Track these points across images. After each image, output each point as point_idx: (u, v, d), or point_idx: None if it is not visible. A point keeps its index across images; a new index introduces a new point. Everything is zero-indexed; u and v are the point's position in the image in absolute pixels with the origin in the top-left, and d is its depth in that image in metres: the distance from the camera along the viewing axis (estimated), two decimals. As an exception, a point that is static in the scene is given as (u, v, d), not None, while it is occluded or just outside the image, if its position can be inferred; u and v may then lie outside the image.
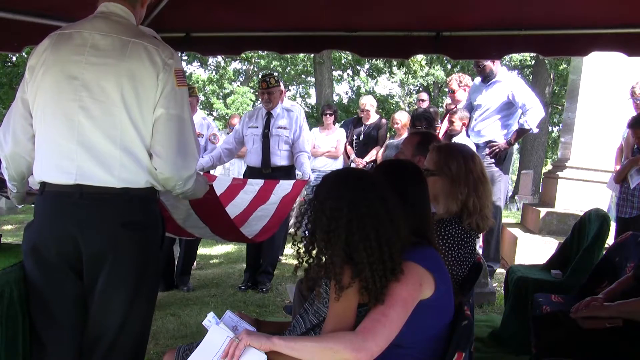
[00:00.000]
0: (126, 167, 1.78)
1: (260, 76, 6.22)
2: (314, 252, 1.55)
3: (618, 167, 4.79)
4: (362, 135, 6.42)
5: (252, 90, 22.14)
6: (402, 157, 2.85)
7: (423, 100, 7.03)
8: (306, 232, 1.55)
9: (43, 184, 1.84)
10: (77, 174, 1.77)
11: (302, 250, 1.56)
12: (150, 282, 1.93)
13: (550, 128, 20.45)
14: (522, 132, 5.04)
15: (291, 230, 6.50)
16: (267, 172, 4.65)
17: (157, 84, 1.79)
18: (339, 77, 23.48)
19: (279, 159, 4.73)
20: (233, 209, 3.26)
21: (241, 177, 5.11)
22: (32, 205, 1.95)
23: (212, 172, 5.49)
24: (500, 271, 5.15)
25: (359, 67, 22.55)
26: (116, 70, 1.76)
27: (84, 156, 1.76)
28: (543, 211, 5.81)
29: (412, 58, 14.30)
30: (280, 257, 5.72)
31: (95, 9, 1.90)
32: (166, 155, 1.82)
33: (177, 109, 1.83)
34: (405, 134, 5.95)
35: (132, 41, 1.80)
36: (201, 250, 6.09)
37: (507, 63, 18.65)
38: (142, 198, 1.85)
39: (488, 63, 4.98)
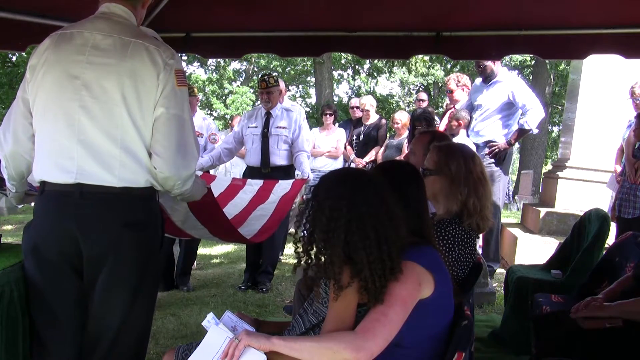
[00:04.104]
0: (126, 166, 1.79)
1: (259, 76, 6.21)
2: (313, 252, 1.55)
3: (618, 167, 4.80)
4: (362, 135, 6.43)
5: (251, 90, 22.14)
6: (413, 157, 2.85)
7: (422, 100, 7.04)
8: (305, 232, 1.55)
9: (43, 184, 1.84)
10: (77, 173, 1.77)
11: (300, 250, 1.56)
12: (150, 282, 1.93)
13: (550, 128, 20.46)
14: (522, 133, 5.05)
15: (291, 230, 6.51)
16: (267, 171, 4.66)
17: (158, 84, 1.80)
18: (339, 77, 23.48)
19: (278, 158, 4.73)
20: (232, 208, 3.27)
21: (241, 177, 5.11)
22: (32, 205, 1.95)
23: (211, 171, 5.49)
24: (500, 271, 5.15)
25: (358, 67, 22.55)
26: (117, 70, 1.77)
27: (84, 155, 1.77)
28: (543, 211, 5.81)
29: (412, 57, 14.30)
30: (280, 257, 5.72)
31: (97, 9, 1.91)
32: (166, 155, 1.82)
33: (177, 109, 1.83)
34: (405, 134, 5.96)
35: (133, 41, 1.80)
36: (201, 250, 6.09)
37: (507, 63, 18.66)
38: (142, 197, 1.85)
39: (489, 63, 4.99)
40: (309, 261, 1.55)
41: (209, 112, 22.42)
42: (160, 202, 2.17)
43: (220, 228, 2.77)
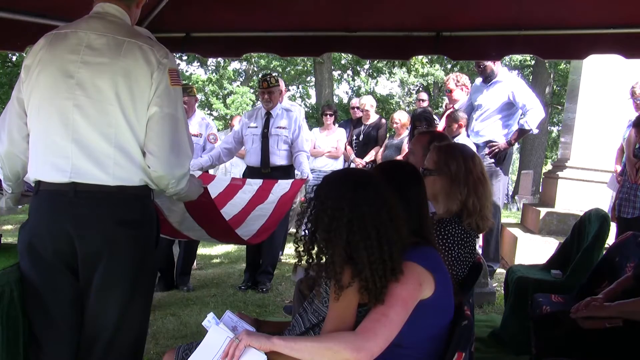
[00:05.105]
0: (120, 165, 1.79)
1: (260, 76, 6.22)
2: (314, 251, 1.55)
3: (618, 167, 4.80)
4: (361, 135, 6.43)
5: (252, 90, 22.13)
6: (412, 157, 2.86)
7: (423, 100, 7.04)
8: (306, 231, 1.55)
9: (38, 183, 1.85)
10: (72, 172, 1.78)
11: (301, 250, 1.56)
12: (146, 281, 1.94)
13: (550, 128, 20.46)
14: (522, 133, 5.05)
15: (291, 229, 6.51)
16: (266, 171, 4.66)
17: (152, 83, 1.80)
18: (339, 77, 23.46)
19: (278, 158, 4.74)
20: (232, 208, 3.26)
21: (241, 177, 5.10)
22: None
23: (211, 171, 5.49)
24: (500, 271, 5.15)
25: (358, 68, 22.55)
26: (111, 69, 1.77)
27: (78, 154, 1.77)
28: (543, 211, 5.81)
29: (412, 58, 14.27)
30: (280, 257, 5.72)
31: (91, 9, 1.91)
32: (159, 153, 1.82)
33: (171, 108, 1.83)
34: (404, 134, 5.96)
35: (127, 40, 1.81)
36: (201, 250, 6.09)
37: (508, 63, 18.66)
38: (137, 196, 1.85)
39: (489, 63, 4.99)
40: (310, 261, 1.55)
41: (209, 112, 22.41)
42: (157, 203, 2.17)
43: (218, 229, 2.77)
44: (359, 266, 1.47)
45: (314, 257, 1.55)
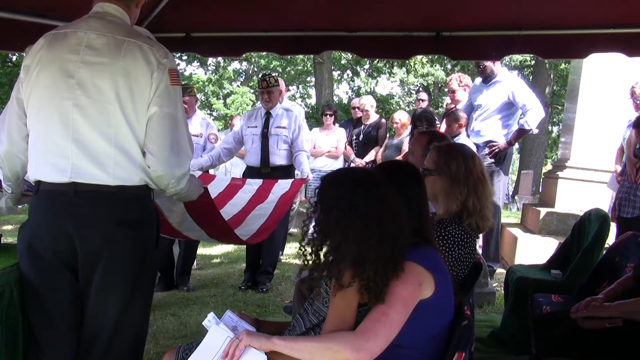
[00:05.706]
0: (120, 165, 1.79)
1: (260, 76, 6.24)
2: (317, 251, 1.55)
3: (618, 167, 4.80)
4: (361, 135, 6.44)
5: (252, 91, 22.14)
6: (412, 157, 2.86)
7: (422, 100, 7.05)
8: (313, 233, 1.55)
9: (38, 183, 1.85)
10: (72, 172, 1.78)
11: (307, 251, 1.56)
12: (146, 281, 1.94)
13: (550, 128, 20.46)
14: (522, 133, 5.05)
15: (291, 229, 6.51)
16: (266, 171, 4.66)
17: (152, 83, 1.80)
18: (339, 77, 23.47)
19: (278, 158, 4.74)
20: (232, 207, 3.27)
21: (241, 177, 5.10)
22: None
23: (211, 171, 5.49)
24: (500, 271, 5.15)
25: (358, 68, 22.55)
26: (111, 69, 1.77)
27: (78, 154, 1.77)
28: (543, 211, 5.81)
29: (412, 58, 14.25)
30: (280, 257, 5.72)
31: (91, 9, 1.91)
32: (159, 153, 1.82)
33: (171, 108, 1.84)
34: (404, 134, 5.96)
35: (127, 40, 1.81)
36: (201, 250, 6.09)
37: (508, 63, 18.66)
38: (137, 196, 1.85)
39: (489, 63, 4.99)
40: (312, 261, 1.55)
41: (209, 112, 22.41)
42: (157, 204, 2.16)
43: (218, 229, 2.77)
44: (361, 266, 1.47)
45: (316, 256, 1.55)
